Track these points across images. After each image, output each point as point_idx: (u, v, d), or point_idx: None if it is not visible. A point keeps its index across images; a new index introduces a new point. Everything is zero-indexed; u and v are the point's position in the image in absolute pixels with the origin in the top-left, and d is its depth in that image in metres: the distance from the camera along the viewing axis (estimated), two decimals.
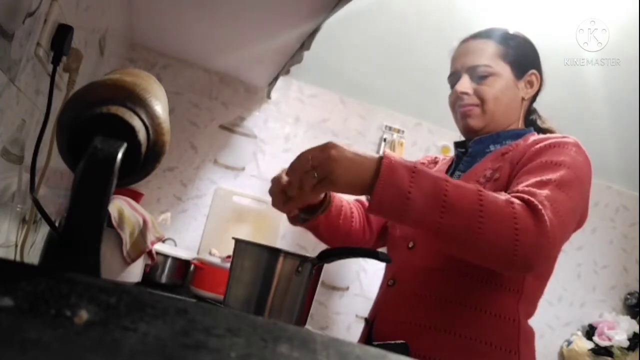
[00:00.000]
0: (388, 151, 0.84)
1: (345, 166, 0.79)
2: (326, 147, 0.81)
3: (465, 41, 1.11)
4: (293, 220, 1.04)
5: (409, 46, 1.90)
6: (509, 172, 0.98)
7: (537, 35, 1.12)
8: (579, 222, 0.98)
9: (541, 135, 1.04)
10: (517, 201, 0.83)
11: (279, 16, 1.35)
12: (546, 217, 0.81)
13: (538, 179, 0.89)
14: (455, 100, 1.09)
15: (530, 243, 0.80)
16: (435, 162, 1.24)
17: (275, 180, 0.92)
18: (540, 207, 0.82)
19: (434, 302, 0.98)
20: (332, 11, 1.21)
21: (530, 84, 1.09)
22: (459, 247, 0.84)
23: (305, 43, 1.44)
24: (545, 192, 0.86)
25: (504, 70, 1.06)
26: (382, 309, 1.07)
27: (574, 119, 1.16)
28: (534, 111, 1.15)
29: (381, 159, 0.81)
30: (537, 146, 0.98)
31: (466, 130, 1.10)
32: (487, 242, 0.80)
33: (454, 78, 1.10)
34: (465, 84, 1.06)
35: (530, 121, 1.14)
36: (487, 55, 1.06)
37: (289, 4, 1.26)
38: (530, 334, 1.00)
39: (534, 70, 1.09)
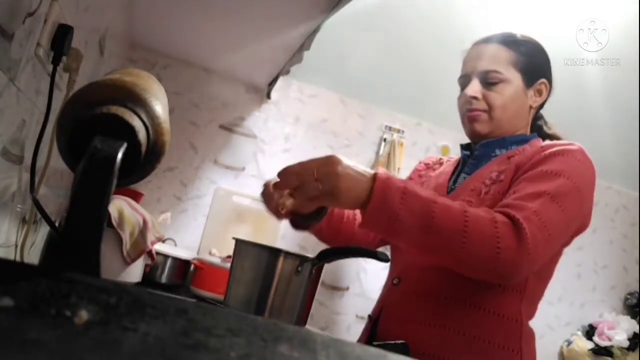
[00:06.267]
0: (381, 170, 0.87)
1: (347, 184, 0.82)
2: (332, 162, 0.82)
3: (477, 44, 1.10)
4: (295, 226, 1.05)
5: (409, 46, 1.90)
6: (513, 175, 0.99)
7: (537, 35, 1.12)
8: (579, 228, 0.99)
9: (547, 142, 1.04)
10: (501, 219, 0.86)
11: (279, 16, 1.35)
12: (528, 235, 0.84)
13: (532, 190, 0.91)
14: (464, 104, 1.09)
15: (510, 260, 0.84)
16: (440, 162, 1.25)
17: (267, 186, 0.97)
18: (524, 224, 0.84)
19: (439, 301, 0.99)
20: (332, 11, 1.21)
21: (539, 92, 1.09)
22: (444, 261, 0.91)
23: (305, 43, 1.44)
24: (535, 205, 0.88)
25: (515, 78, 1.05)
26: (387, 307, 1.07)
27: (574, 120, 1.16)
28: (540, 117, 1.16)
29: (375, 177, 0.84)
30: (542, 153, 0.98)
31: (472, 134, 1.10)
32: (469, 259, 0.86)
33: (464, 80, 1.10)
34: (475, 88, 1.05)
35: (536, 127, 1.14)
36: (499, 62, 1.05)
37: (289, 4, 1.26)
38: (531, 334, 1.01)
39: (543, 80, 1.08)
